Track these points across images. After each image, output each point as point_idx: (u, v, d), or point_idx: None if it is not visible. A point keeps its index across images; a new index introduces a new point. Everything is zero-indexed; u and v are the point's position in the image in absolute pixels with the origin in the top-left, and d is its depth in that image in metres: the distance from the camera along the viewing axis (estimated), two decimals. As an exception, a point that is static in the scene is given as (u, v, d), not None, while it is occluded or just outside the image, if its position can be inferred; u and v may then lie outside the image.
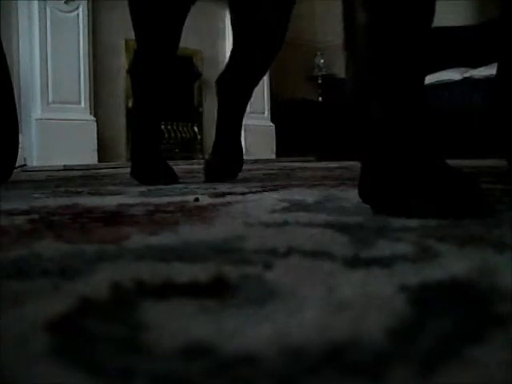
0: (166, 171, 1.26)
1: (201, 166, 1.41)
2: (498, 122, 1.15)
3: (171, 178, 1.23)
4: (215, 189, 1.00)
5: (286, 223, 0.53)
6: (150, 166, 1.25)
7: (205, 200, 0.78)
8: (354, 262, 0.35)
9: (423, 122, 0.58)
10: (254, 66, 1.39)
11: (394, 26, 0.58)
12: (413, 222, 0.50)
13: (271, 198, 0.78)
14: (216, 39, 3.85)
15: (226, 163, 1.35)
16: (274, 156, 4.10)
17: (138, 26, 1.27)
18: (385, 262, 0.35)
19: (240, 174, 1.41)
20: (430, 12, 0.60)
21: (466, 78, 3.51)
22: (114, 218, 0.61)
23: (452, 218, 0.51)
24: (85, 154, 3.05)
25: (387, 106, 0.58)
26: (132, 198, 0.85)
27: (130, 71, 1.36)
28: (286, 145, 4.11)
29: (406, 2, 0.58)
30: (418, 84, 0.60)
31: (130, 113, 3.41)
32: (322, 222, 0.53)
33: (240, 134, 1.42)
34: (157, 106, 1.29)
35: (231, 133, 1.38)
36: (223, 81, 1.39)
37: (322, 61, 4.53)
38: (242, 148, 1.41)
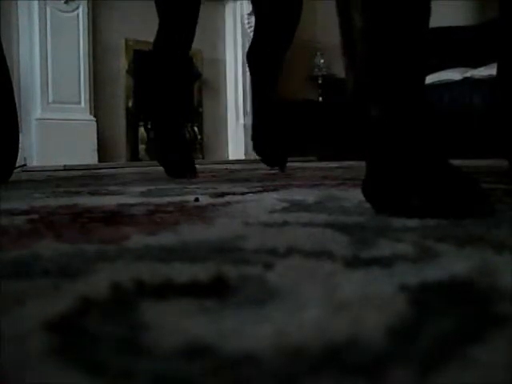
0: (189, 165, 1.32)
1: (201, 166, 1.43)
2: (498, 121, 1.15)
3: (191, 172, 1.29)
4: (215, 189, 1.00)
5: (285, 223, 0.53)
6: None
7: (205, 200, 0.78)
8: (354, 262, 0.35)
9: (424, 123, 0.58)
10: (280, 32, 1.43)
11: (391, 28, 0.58)
12: (413, 222, 0.50)
13: (271, 198, 0.78)
14: (216, 39, 3.85)
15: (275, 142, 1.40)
16: (273, 156, 4.09)
17: (163, 21, 1.29)
18: (385, 262, 0.35)
19: (240, 173, 1.41)
20: (426, 12, 0.60)
21: (466, 78, 3.51)
22: (114, 217, 0.61)
23: (452, 218, 0.51)
24: (85, 154, 3.05)
25: (387, 107, 0.58)
26: (132, 197, 0.85)
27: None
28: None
29: (402, 4, 0.59)
30: (417, 84, 0.60)
31: (130, 113, 3.41)
32: (322, 221, 0.53)
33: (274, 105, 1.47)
34: (180, 105, 1.35)
35: (268, 107, 1.43)
36: (254, 52, 1.42)
37: (321, 61, 4.52)
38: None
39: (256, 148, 1.41)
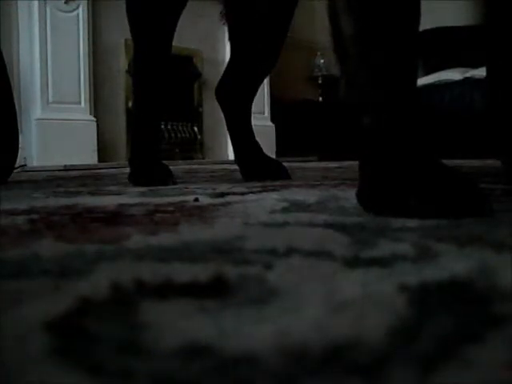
0: (161, 172, 1.23)
1: (201, 166, 1.42)
2: (493, 122, 1.16)
3: (167, 179, 1.20)
4: (215, 189, 1.00)
5: (286, 223, 0.53)
6: (146, 168, 1.23)
7: (205, 200, 0.78)
8: (354, 262, 0.35)
9: (418, 125, 0.58)
10: (256, 71, 1.40)
11: (380, 34, 0.59)
12: (413, 222, 0.50)
13: (271, 198, 0.78)
14: (216, 39, 3.85)
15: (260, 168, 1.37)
16: (274, 156, 4.09)
17: (134, 25, 1.26)
18: (385, 262, 0.35)
19: (240, 173, 1.41)
20: (416, 19, 0.60)
21: (466, 78, 3.51)
22: (114, 217, 0.61)
23: (452, 218, 0.51)
24: (85, 154, 3.05)
25: (381, 111, 0.59)
26: (132, 198, 0.85)
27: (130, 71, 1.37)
28: (286, 145, 4.10)
29: (390, 12, 0.59)
30: (409, 88, 0.60)
31: (130, 113, 3.41)
32: (322, 222, 0.53)
33: (253, 134, 1.45)
34: (155, 106, 1.27)
35: (248, 139, 1.41)
36: (224, 90, 1.39)
37: (322, 61, 4.52)
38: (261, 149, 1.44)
39: (243, 175, 1.39)
